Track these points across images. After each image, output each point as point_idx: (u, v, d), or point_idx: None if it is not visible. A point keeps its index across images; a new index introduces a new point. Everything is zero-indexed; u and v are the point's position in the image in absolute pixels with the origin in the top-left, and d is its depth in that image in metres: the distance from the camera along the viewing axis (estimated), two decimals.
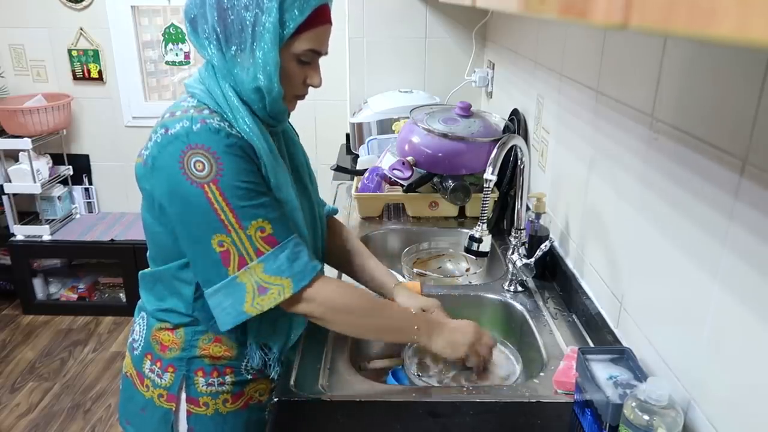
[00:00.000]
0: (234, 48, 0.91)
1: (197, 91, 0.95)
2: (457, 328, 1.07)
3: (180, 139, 0.89)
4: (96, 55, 3.08)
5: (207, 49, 0.93)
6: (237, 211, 0.89)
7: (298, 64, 0.95)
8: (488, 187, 1.18)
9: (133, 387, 1.10)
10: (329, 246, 1.23)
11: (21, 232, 3.06)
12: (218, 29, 0.90)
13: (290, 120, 1.12)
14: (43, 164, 3.04)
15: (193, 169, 0.88)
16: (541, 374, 1.07)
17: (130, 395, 1.10)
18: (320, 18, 0.93)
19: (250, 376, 1.08)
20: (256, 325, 1.02)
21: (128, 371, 1.12)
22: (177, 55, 3.12)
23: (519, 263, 1.33)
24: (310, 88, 1.01)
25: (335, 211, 1.32)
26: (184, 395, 1.05)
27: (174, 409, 1.05)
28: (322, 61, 0.98)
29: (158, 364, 1.05)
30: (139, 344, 1.09)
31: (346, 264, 1.25)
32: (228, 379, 1.06)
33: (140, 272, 1.09)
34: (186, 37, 3.05)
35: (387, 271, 1.25)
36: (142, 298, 1.10)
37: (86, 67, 3.10)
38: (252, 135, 0.92)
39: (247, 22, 0.88)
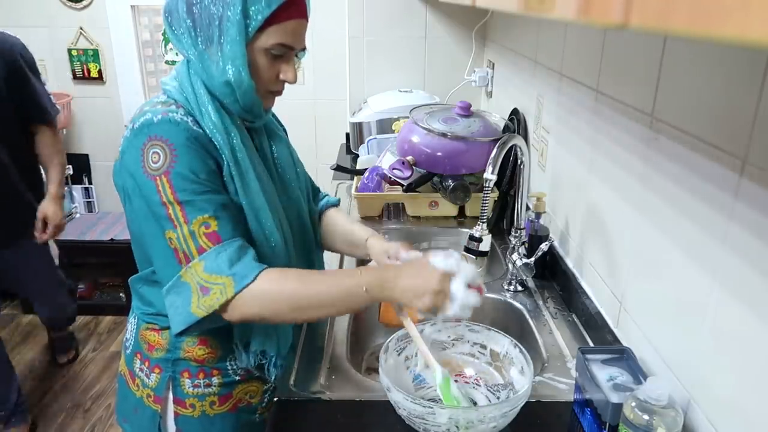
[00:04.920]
0: (204, 42, 0.91)
1: (169, 88, 0.96)
2: (418, 274, 0.92)
3: (143, 132, 0.89)
4: (96, 55, 3.08)
5: (181, 43, 0.94)
6: (183, 204, 0.87)
7: (270, 59, 0.93)
8: (488, 187, 1.18)
9: (126, 386, 1.10)
10: (331, 237, 1.22)
11: None
12: (188, 23, 0.90)
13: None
14: None
15: (150, 162, 0.88)
16: (541, 374, 1.07)
17: (125, 394, 1.11)
18: (291, 12, 0.90)
19: (238, 377, 1.07)
20: (241, 326, 1.00)
21: (122, 370, 1.12)
22: (177, 54, 3.12)
23: (519, 263, 1.33)
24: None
25: (334, 203, 1.28)
26: (171, 396, 1.05)
27: (160, 410, 1.05)
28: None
29: (146, 363, 1.05)
30: (130, 343, 1.09)
31: (332, 243, 1.23)
32: (215, 380, 1.05)
33: (129, 279, 1.08)
34: None
35: (359, 227, 1.20)
36: (132, 300, 1.10)
37: (86, 66, 3.10)
38: (216, 132, 0.91)
39: (214, 16, 0.88)
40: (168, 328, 1.01)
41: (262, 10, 0.88)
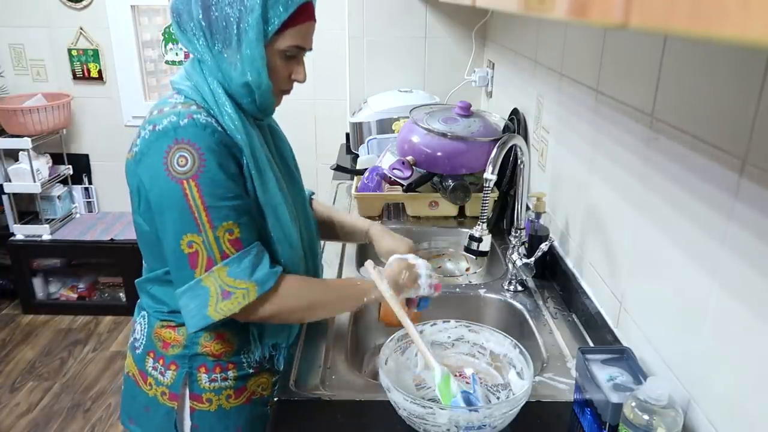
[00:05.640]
0: (220, 44, 0.93)
1: (184, 88, 0.97)
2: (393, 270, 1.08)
3: (168, 135, 0.90)
4: (96, 55, 3.08)
5: (195, 44, 0.95)
6: (211, 210, 0.90)
7: (283, 60, 0.97)
8: (488, 187, 1.18)
9: (136, 386, 1.10)
10: (328, 229, 1.30)
11: (21, 231, 3.06)
12: (203, 25, 0.92)
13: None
14: (43, 164, 3.04)
15: (176, 165, 0.89)
16: (541, 374, 1.07)
17: (133, 394, 1.11)
18: (304, 15, 0.95)
19: (252, 370, 1.09)
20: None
21: (130, 371, 1.12)
22: (177, 54, 3.12)
23: (519, 263, 1.33)
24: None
25: (312, 194, 1.35)
26: (187, 392, 1.06)
27: (177, 407, 1.06)
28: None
29: (161, 361, 1.06)
30: (141, 343, 1.09)
31: (323, 231, 1.29)
32: (231, 374, 1.07)
33: (136, 281, 1.10)
34: None
35: (357, 217, 1.33)
36: (142, 300, 1.10)
37: (86, 66, 3.10)
38: (236, 132, 0.94)
39: (232, 19, 0.90)
40: (183, 324, 1.02)
41: (280, 14, 0.91)
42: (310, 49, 1.01)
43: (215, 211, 0.91)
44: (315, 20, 0.99)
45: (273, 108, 1.03)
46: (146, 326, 1.09)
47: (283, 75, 0.99)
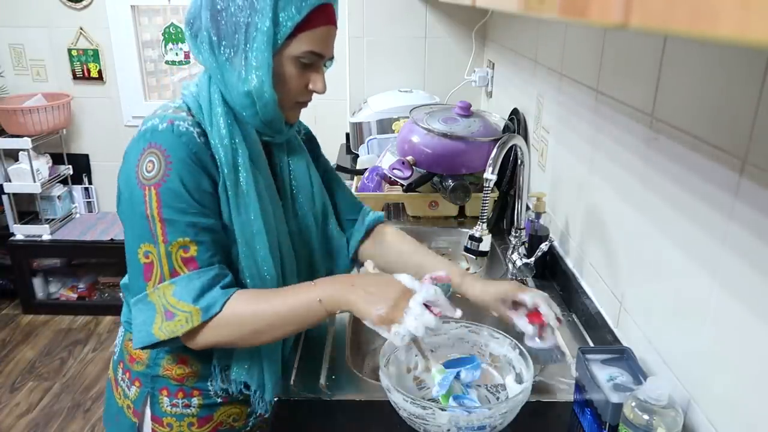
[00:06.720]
0: (227, 51, 0.87)
1: (186, 93, 0.92)
2: (376, 284, 0.88)
3: (145, 137, 0.85)
4: (96, 55, 3.08)
5: (202, 53, 0.90)
6: (166, 223, 0.83)
7: (299, 68, 0.90)
8: (488, 187, 1.18)
9: (111, 392, 1.08)
10: (388, 259, 1.13)
11: (21, 231, 3.06)
12: (211, 31, 0.87)
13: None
14: (43, 164, 3.04)
15: (144, 170, 0.84)
16: (541, 374, 1.07)
17: (109, 401, 1.09)
18: (322, 18, 0.88)
19: (220, 400, 1.02)
20: (221, 349, 0.95)
21: (110, 375, 1.11)
22: (177, 54, 3.12)
23: (519, 263, 1.33)
24: (315, 94, 0.95)
25: (379, 219, 1.18)
26: (148, 412, 1.01)
27: (138, 424, 1.02)
28: None
29: (128, 374, 1.03)
30: (117, 351, 1.07)
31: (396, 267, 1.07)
32: (195, 401, 1.00)
33: (121, 282, 1.04)
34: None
35: (440, 262, 1.10)
36: (123, 306, 1.07)
37: (86, 66, 3.10)
38: (220, 147, 0.87)
39: (241, 24, 0.85)
40: None
41: (292, 16, 0.85)
42: (331, 58, 0.93)
43: (171, 225, 0.83)
44: (335, 24, 0.90)
45: (280, 123, 0.94)
46: (122, 335, 1.05)
47: (299, 85, 0.91)
